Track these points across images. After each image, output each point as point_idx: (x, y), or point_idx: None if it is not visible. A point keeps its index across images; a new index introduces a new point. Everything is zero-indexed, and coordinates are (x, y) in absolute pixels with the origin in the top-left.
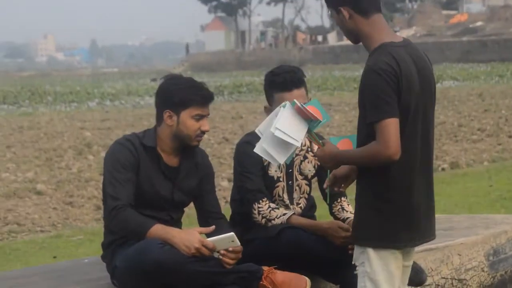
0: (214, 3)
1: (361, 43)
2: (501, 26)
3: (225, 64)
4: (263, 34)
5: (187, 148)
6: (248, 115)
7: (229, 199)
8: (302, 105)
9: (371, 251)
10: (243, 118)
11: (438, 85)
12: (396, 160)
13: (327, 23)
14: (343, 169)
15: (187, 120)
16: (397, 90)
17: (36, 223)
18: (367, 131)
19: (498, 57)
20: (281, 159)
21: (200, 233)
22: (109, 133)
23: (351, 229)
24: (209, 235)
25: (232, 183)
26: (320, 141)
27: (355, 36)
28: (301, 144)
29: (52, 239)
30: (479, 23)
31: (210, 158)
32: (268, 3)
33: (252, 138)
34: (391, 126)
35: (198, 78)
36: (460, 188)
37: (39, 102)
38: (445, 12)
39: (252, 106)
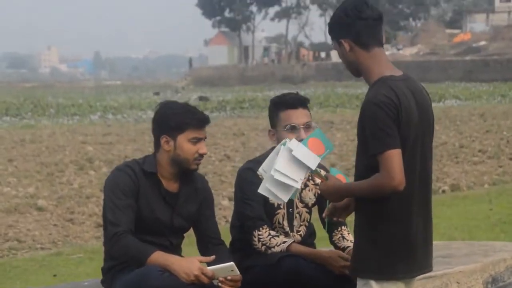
0: (218, 18)
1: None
2: (504, 46)
3: (228, 79)
4: (266, 49)
5: (186, 172)
6: (250, 131)
7: (229, 218)
8: (300, 148)
9: (373, 283)
10: (245, 135)
11: (440, 104)
12: (401, 190)
13: (330, 39)
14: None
15: (184, 143)
16: (397, 122)
17: (36, 240)
18: (367, 162)
19: (501, 77)
20: (285, 197)
21: (200, 262)
22: (111, 148)
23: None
24: (209, 263)
25: (232, 202)
26: (323, 174)
27: (356, 68)
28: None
29: (52, 257)
30: (482, 43)
31: (210, 176)
32: (272, 19)
33: (254, 165)
34: (395, 158)
35: (200, 92)
36: (460, 211)
37: (42, 115)
38: (448, 31)
39: (254, 123)
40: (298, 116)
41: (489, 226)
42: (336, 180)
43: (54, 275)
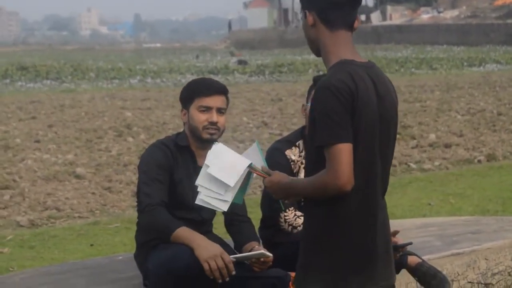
0: None
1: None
2: None
3: (267, 41)
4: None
5: (204, 143)
6: (288, 97)
7: None
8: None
9: None
10: (283, 100)
11: (480, 69)
12: (348, 191)
13: (370, 2)
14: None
15: (194, 113)
16: (351, 111)
17: (74, 209)
18: (316, 156)
19: None
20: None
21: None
22: (149, 113)
23: None
24: (240, 250)
25: None
26: (263, 171)
27: (317, 47)
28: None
29: (89, 226)
30: None
31: (248, 143)
32: None
33: (281, 145)
34: (343, 153)
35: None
36: (495, 181)
37: (82, 78)
38: None
39: (293, 88)
40: None
41: None
42: (280, 176)
43: (91, 245)
